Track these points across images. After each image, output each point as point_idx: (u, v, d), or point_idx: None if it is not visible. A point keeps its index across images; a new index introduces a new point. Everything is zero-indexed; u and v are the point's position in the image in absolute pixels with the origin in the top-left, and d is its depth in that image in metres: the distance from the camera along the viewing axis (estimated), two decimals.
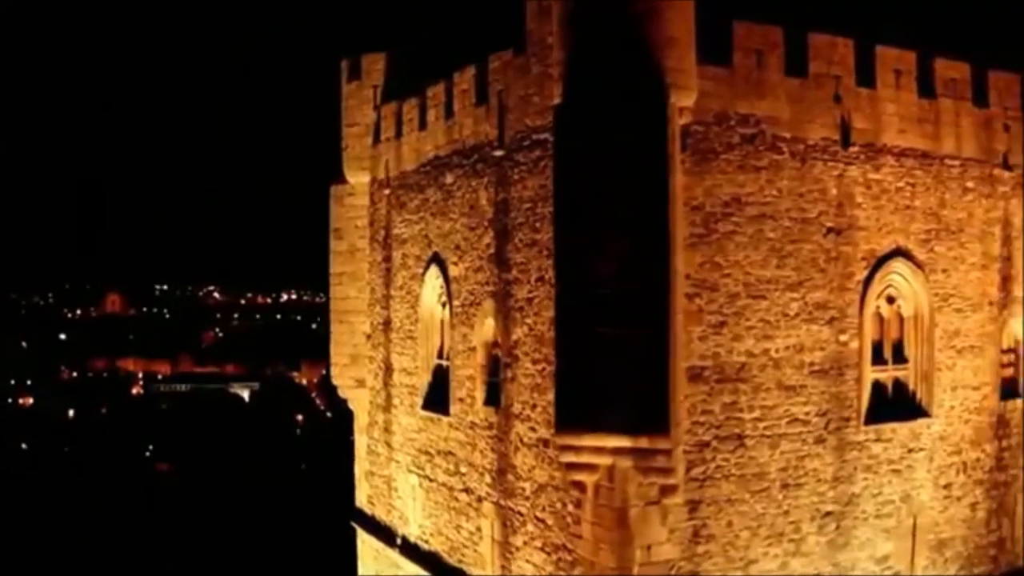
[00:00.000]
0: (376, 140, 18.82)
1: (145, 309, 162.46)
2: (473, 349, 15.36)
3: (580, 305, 11.65)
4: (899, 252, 14.46)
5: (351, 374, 19.68)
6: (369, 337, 19.30)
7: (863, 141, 14.04)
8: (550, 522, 13.35)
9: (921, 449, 14.79)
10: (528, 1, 13.51)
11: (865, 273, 14.07)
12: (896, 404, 14.64)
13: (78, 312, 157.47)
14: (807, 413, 13.46)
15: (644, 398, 11.48)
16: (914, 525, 14.70)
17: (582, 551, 12.60)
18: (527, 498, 13.89)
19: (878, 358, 14.54)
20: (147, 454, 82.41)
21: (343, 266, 19.66)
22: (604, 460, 11.90)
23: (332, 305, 19.99)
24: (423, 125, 16.94)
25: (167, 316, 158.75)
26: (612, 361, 11.47)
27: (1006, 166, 15.98)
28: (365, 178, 19.20)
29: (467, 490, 15.61)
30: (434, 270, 16.63)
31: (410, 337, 17.63)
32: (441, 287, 16.50)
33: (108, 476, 71.44)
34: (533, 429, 13.63)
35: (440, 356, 16.90)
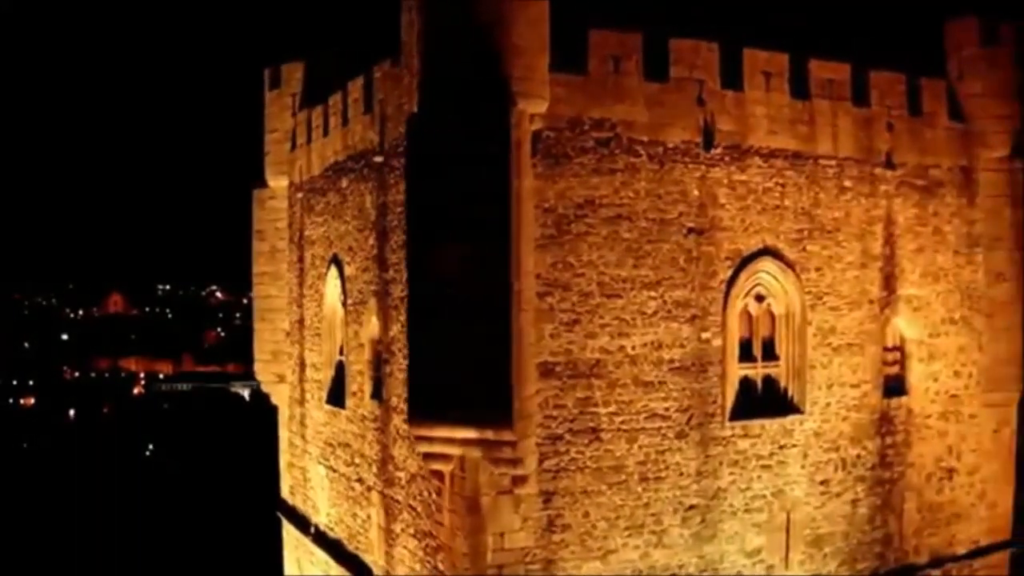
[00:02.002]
0: (293, 146, 19.45)
1: (147, 309, 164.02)
2: (362, 345, 15.95)
3: (428, 303, 12.21)
4: (767, 251, 14.82)
5: (272, 370, 20.33)
6: (288, 334, 19.93)
7: (728, 143, 14.43)
8: (420, 510, 13.90)
9: (794, 445, 15.13)
10: (402, 12, 14.05)
11: (729, 272, 14.44)
12: (766, 401, 14.99)
13: (80, 312, 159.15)
14: (667, 409, 13.86)
15: (488, 392, 12.00)
16: (788, 520, 15.05)
17: (443, 537, 13.14)
18: (403, 487, 14.45)
19: (747, 355, 14.93)
20: (148, 454, 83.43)
21: (265, 266, 20.33)
22: (455, 451, 12.44)
23: (255, 303, 20.70)
24: (326, 132, 17.55)
25: (169, 316, 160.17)
26: (458, 356, 12.00)
27: (889, 165, 16.31)
28: (284, 182, 19.85)
29: (360, 480, 16.19)
30: (334, 270, 17.24)
31: (317, 334, 18.24)
32: (339, 286, 17.08)
33: (109, 476, 72.33)
34: (406, 421, 14.16)
35: (341, 353, 17.49)
